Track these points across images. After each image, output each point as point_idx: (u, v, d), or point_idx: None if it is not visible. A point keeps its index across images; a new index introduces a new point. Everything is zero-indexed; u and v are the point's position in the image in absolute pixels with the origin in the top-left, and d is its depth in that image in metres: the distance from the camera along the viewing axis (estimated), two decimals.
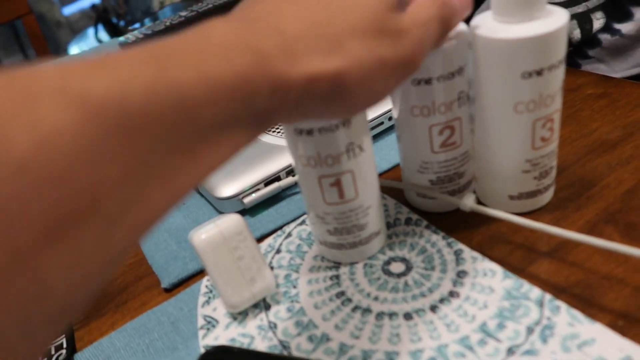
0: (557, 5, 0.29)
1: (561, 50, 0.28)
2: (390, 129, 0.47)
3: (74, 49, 2.72)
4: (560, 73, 0.29)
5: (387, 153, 0.43)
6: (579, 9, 0.61)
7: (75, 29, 3.40)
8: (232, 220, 0.31)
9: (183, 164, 0.17)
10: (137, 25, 1.04)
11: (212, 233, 0.30)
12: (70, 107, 0.14)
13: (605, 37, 0.56)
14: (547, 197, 0.34)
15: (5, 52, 3.13)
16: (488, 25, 0.29)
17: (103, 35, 2.70)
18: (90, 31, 2.82)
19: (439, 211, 0.35)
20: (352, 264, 0.33)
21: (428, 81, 0.29)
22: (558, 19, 0.27)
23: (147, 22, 1.09)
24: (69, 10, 3.52)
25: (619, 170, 0.36)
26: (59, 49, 3.01)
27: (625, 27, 0.55)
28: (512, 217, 0.31)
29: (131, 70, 0.16)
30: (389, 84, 0.22)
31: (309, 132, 0.28)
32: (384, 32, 0.21)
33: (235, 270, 0.31)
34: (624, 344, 0.25)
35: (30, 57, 3.34)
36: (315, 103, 0.21)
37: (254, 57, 0.18)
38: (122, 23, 2.70)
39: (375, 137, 0.46)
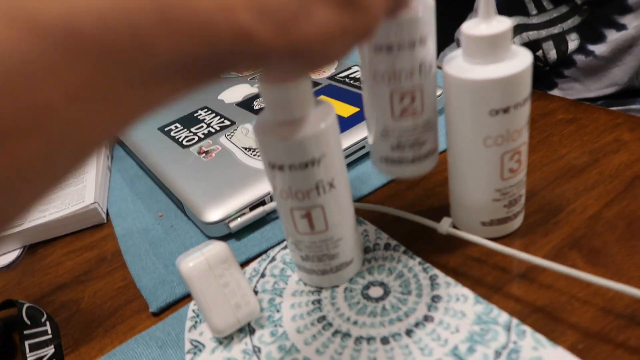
0: (535, 26, 0.31)
1: (526, 90, 0.30)
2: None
3: None
4: (526, 110, 0.31)
5: (370, 176, 0.45)
6: (555, 30, 0.64)
7: None
8: (217, 249, 0.32)
9: (134, 94, 0.17)
10: None
11: (198, 261, 0.32)
12: (18, 26, 0.14)
13: (579, 58, 0.59)
14: (517, 223, 0.36)
15: None
16: (459, 64, 0.30)
17: None
18: None
19: (403, 176, 0.37)
20: (332, 287, 0.35)
21: (389, 48, 0.30)
22: (522, 60, 0.29)
23: None
24: None
25: (585, 195, 0.38)
26: None
27: (598, 49, 0.58)
28: (485, 241, 0.33)
29: None
30: (345, 50, 0.23)
31: (281, 168, 0.29)
32: (348, 2, 0.22)
33: (220, 296, 0.32)
34: None
35: None
36: (277, 59, 0.21)
37: (222, 5, 0.18)
38: None
39: (359, 160, 0.48)
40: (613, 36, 0.60)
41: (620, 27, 0.60)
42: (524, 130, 0.32)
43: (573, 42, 0.60)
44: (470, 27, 0.29)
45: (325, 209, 0.31)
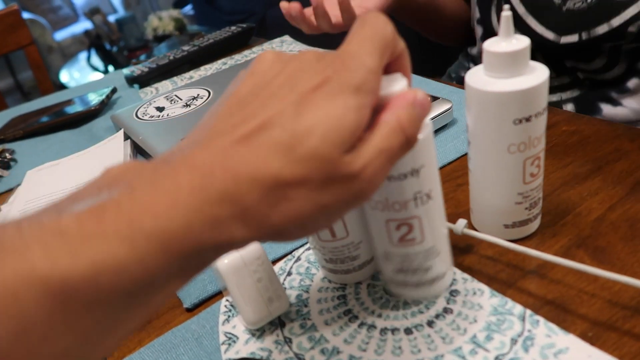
0: None
1: (545, 100, 0.33)
2: None
3: (64, 74, 2.75)
4: (544, 118, 0.34)
5: None
6: (553, 97, 0.67)
7: (67, 54, 3.45)
8: (251, 247, 0.35)
9: (136, 315, 0.20)
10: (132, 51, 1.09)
11: (233, 258, 0.34)
12: (43, 295, 0.17)
13: None
14: (536, 224, 0.39)
15: None
16: (482, 78, 0.33)
17: (95, 60, 2.75)
18: (82, 56, 2.86)
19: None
20: (357, 284, 0.38)
21: None
22: (541, 74, 0.33)
23: (143, 57, 1.14)
24: (60, 35, 3.57)
25: (589, 200, 0.41)
26: (49, 74, 3.04)
27: None
28: (498, 240, 0.35)
29: (106, 247, 0.18)
30: (331, 219, 0.22)
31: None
32: (333, 181, 0.21)
33: (254, 291, 0.34)
34: (592, 352, 0.29)
35: (20, 81, 3.37)
36: (255, 242, 0.22)
37: (211, 222, 0.20)
38: (115, 49, 2.75)
39: None
40: (609, 111, 0.62)
41: (617, 104, 0.63)
42: (543, 137, 0.35)
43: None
44: (493, 45, 0.32)
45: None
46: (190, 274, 0.21)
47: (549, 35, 0.62)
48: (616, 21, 0.56)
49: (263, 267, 0.35)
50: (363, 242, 0.36)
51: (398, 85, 0.26)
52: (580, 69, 0.64)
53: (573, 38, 0.60)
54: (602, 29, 0.58)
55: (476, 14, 0.74)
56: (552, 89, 0.66)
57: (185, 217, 0.19)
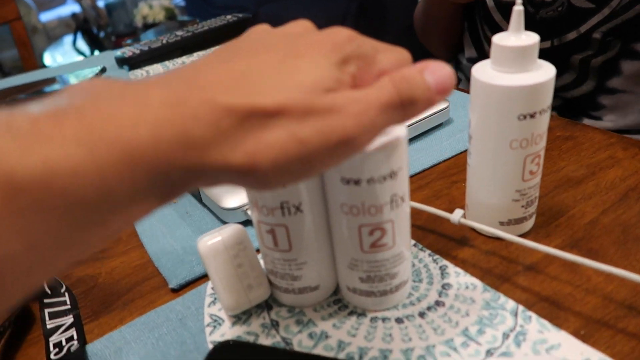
0: None
1: (550, 97, 0.33)
2: None
3: (48, 56, 2.69)
4: (548, 116, 0.34)
5: None
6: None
7: (52, 36, 3.37)
8: (234, 230, 0.34)
9: (92, 234, 0.18)
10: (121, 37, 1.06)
11: (215, 240, 0.33)
12: None
13: None
14: (531, 223, 0.39)
15: None
16: (488, 73, 0.33)
17: (81, 45, 2.69)
18: (67, 39, 2.81)
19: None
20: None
21: (357, 182, 0.28)
22: (548, 71, 0.32)
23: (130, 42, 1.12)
24: (46, 16, 3.49)
25: (583, 204, 0.41)
26: (33, 55, 2.97)
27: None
28: (495, 230, 0.35)
29: (61, 150, 0.16)
30: (313, 166, 0.21)
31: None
32: (313, 112, 0.20)
33: (233, 276, 0.33)
34: (584, 349, 0.29)
35: (1, 60, 3.28)
36: (229, 179, 0.21)
37: (181, 140, 0.18)
38: (102, 34, 2.70)
39: None
40: (593, 124, 0.64)
41: (598, 119, 0.66)
42: (544, 135, 0.35)
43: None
44: (502, 39, 0.32)
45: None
46: (155, 199, 0.19)
47: None
48: (583, 28, 0.61)
49: (245, 252, 0.33)
50: (308, 265, 0.33)
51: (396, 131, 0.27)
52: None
53: (546, 44, 0.65)
54: (571, 35, 0.62)
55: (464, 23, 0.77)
56: None
57: (153, 130, 0.18)
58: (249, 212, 0.43)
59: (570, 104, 0.67)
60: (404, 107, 0.22)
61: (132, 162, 0.17)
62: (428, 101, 0.23)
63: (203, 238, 0.33)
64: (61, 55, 2.69)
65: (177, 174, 0.19)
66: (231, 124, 0.19)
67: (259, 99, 0.20)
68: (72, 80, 0.83)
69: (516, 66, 0.32)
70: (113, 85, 0.19)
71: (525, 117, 0.33)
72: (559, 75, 0.63)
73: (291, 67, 0.21)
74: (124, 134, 0.17)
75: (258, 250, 0.41)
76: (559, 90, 0.66)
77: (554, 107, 0.67)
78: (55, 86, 0.81)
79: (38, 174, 0.15)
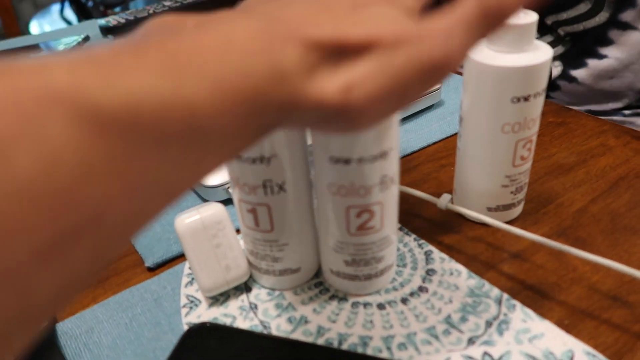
0: None
1: (545, 80, 0.32)
2: None
3: (34, 25, 2.62)
4: (541, 100, 0.33)
5: None
6: None
7: (39, 4, 3.28)
8: (213, 209, 0.32)
9: (185, 175, 0.17)
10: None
11: (193, 219, 0.32)
12: (80, 122, 0.13)
13: (563, 84, 0.62)
14: (519, 210, 0.38)
15: None
16: (483, 52, 0.32)
17: (69, 13, 2.63)
18: (55, 8, 2.73)
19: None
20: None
21: (347, 161, 0.27)
22: (544, 52, 0.31)
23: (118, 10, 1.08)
24: None
25: (572, 191, 0.40)
26: (19, 24, 2.89)
27: (580, 74, 0.61)
28: (483, 216, 0.34)
29: (146, 81, 0.15)
30: (407, 95, 0.20)
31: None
32: (401, 40, 0.19)
33: (211, 256, 0.32)
34: (567, 339, 0.29)
35: None
36: (319, 118, 0.20)
37: (272, 72, 0.17)
38: (90, 3, 2.63)
39: None
40: (595, 64, 0.64)
41: (602, 57, 0.64)
42: (537, 120, 0.33)
43: (556, 69, 0.63)
44: None
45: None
46: (247, 137, 0.18)
47: None
48: None
49: (224, 232, 0.32)
50: (290, 246, 0.32)
51: None
52: (561, 24, 0.64)
53: None
54: None
55: None
56: None
57: (242, 60, 0.17)
58: (230, 190, 0.41)
59: (579, 39, 0.65)
60: (491, 19, 0.21)
61: (221, 94, 0.16)
62: (515, 5, 0.21)
63: (181, 216, 0.32)
64: (49, 25, 2.62)
65: (268, 110, 0.18)
66: (321, 58, 0.18)
67: (349, 31, 0.19)
68: (59, 47, 0.80)
69: (512, 46, 0.31)
70: (189, 19, 0.18)
71: (519, 99, 0.31)
72: (574, 5, 0.62)
73: (365, 7, 0.21)
74: (212, 65, 0.16)
75: (238, 231, 0.40)
76: (571, 22, 0.64)
77: (559, 55, 0.66)
78: (40, 54, 0.78)
79: (124, 105, 0.14)
